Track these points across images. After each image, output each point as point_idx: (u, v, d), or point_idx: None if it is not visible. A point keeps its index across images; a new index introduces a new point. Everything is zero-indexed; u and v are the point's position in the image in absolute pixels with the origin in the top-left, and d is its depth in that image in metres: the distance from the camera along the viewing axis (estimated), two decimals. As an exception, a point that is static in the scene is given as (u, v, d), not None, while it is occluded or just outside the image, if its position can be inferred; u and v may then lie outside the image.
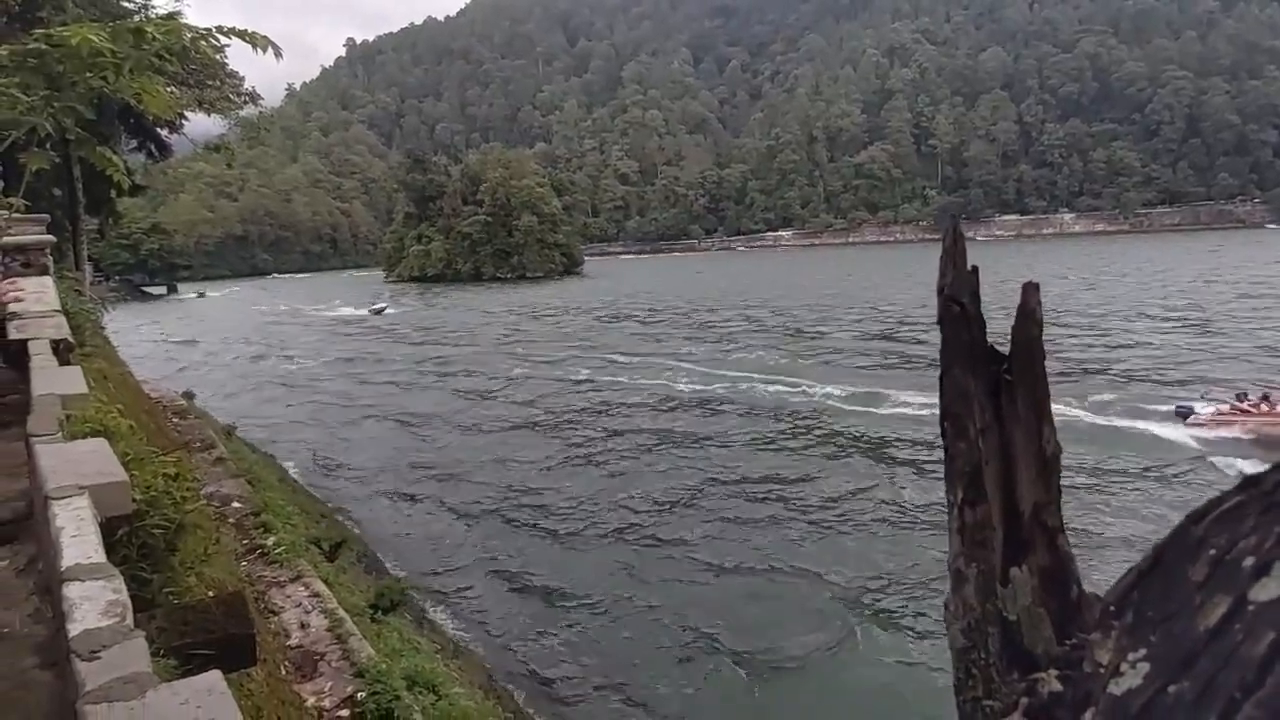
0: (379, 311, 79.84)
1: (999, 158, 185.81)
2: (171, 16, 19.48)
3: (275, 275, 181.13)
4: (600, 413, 30.94)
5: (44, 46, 7.23)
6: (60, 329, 7.58)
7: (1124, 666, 0.72)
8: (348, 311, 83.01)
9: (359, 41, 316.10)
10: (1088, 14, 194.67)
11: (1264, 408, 23.58)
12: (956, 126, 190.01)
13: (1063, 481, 1.10)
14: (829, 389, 32.19)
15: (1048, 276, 73.61)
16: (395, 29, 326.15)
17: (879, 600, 15.19)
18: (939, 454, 1.21)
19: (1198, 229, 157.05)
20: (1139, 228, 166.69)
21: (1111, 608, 0.78)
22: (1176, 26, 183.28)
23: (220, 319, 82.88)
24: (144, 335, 60.40)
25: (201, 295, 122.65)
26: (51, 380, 5.64)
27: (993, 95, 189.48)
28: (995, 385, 1.09)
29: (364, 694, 7.55)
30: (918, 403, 27.94)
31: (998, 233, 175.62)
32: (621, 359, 42.95)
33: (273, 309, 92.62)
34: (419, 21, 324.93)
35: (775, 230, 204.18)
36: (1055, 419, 1.09)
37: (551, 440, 27.49)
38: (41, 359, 6.42)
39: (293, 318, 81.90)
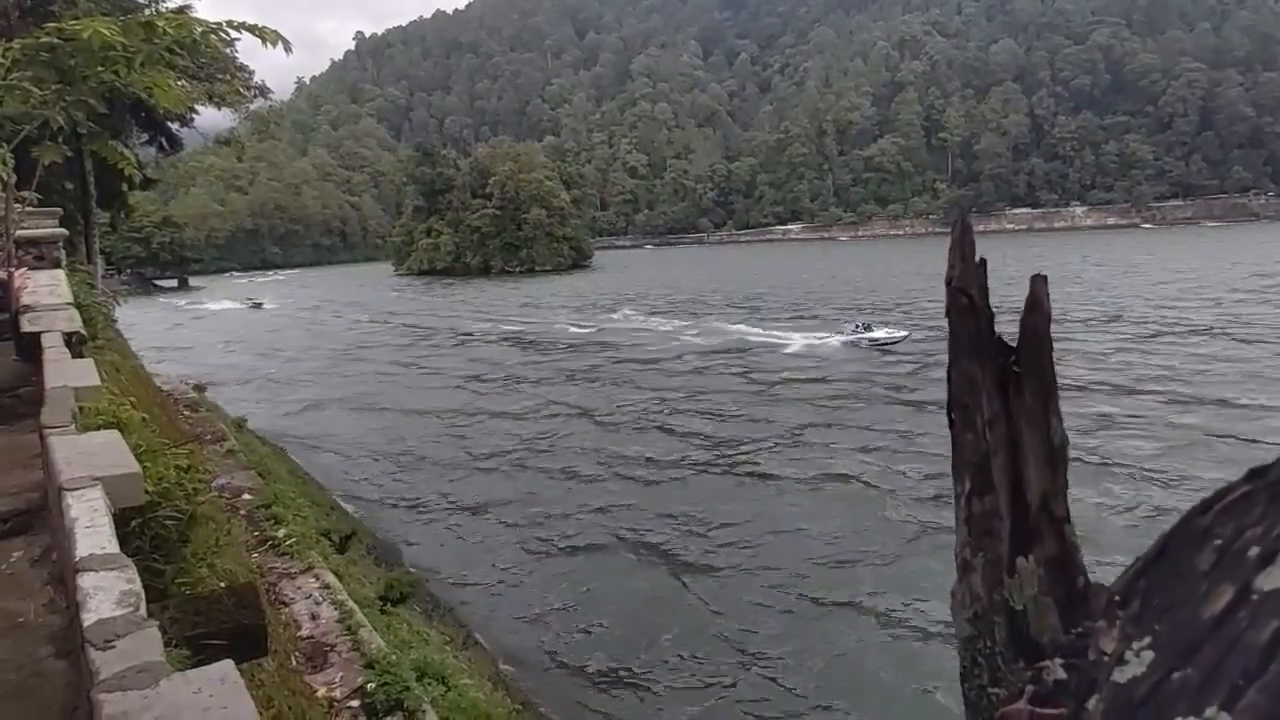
0: (884, 344, 41.33)
1: (1010, 151, 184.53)
2: (182, 11, 19.56)
3: (262, 269, 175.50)
4: (616, 413, 30.94)
5: (56, 41, 7.28)
6: (73, 322, 7.62)
7: (1128, 654, 0.72)
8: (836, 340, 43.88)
9: (368, 35, 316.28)
10: (1100, 5, 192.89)
11: None
12: (967, 119, 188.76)
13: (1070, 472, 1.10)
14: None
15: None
16: (404, 22, 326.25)
17: (882, 593, 15.18)
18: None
19: (1211, 223, 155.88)
20: (1151, 221, 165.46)
21: (1117, 597, 0.79)
22: (1190, 18, 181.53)
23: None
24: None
25: (256, 305, 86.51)
26: (65, 373, 5.68)
27: (1004, 88, 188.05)
28: (1003, 377, 1.09)
29: (374, 685, 7.60)
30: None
31: (1008, 226, 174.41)
32: (646, 360, 42.98)
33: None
34: (428, 15, 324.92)
35: (784, 224, 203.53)
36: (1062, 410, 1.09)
37: (562, 436, 27.53)
38: (54, 352, 6.45)
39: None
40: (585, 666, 13.49)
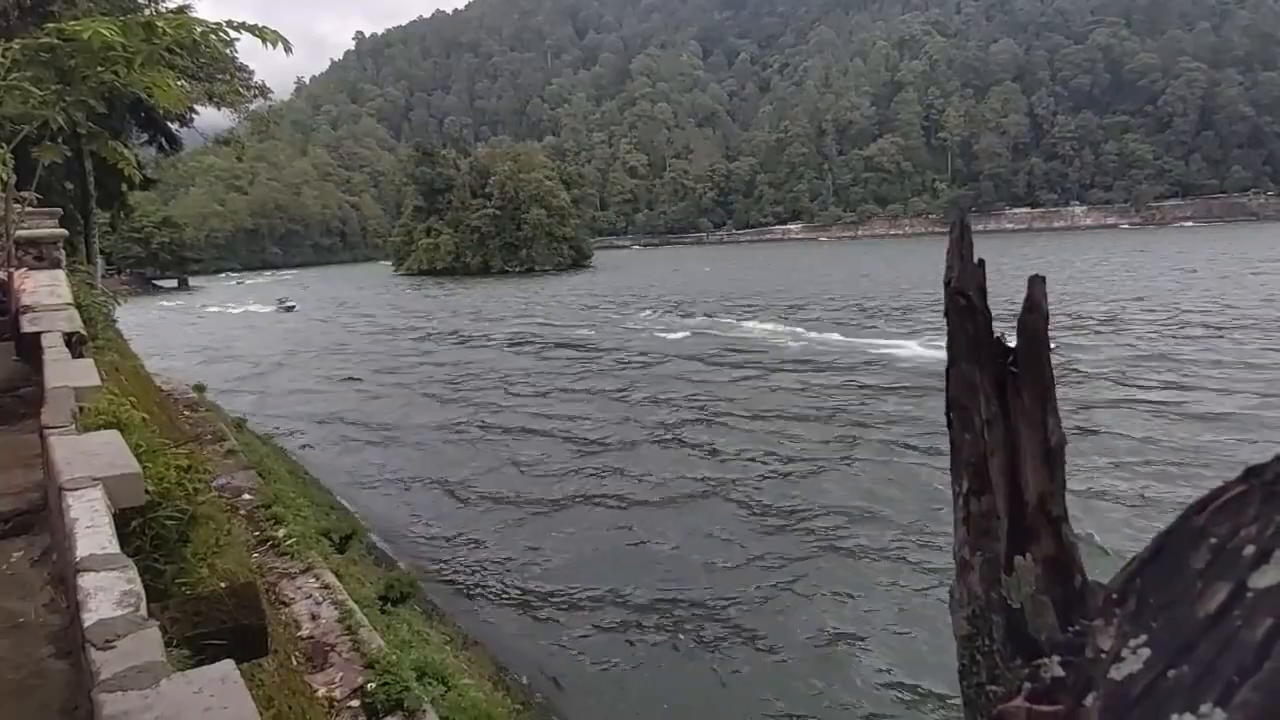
0: None
1: (1009, 150, 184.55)
2: (182, 11, 19.57)
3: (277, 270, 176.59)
4: (615, 415, 30.90)
5: (56, 41, 7.28)
6: (73, 322, 7.63)
7: (1125, 652, 0.73)
8: None
9: (368, 35, 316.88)
10: (1100, 5, 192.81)
11: None
12: (967, 119, 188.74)
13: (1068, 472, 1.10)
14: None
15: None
16: (404, 22, 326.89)
17: (884, 588, 15.18)
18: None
19: (1210, 222, 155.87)
20: (1150, 220, 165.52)
21: (1114, 595, 0.79)
22: (1190, 17, 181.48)
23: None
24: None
25: (289, 308, 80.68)
26: (65, 373, 5.68)
27: (1003, 87, 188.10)
28: (1001, 377, 1.10)
29: (374, 685, 7.60)
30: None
31: (1008, 226, 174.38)
32: (641, 362, 42.97)
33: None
34: (428, 15, 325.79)
35: (784, 223, 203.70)
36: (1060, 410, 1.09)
37: (562, 436, 27.49)
38: (55, 352, 6.46)
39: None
40: (588, 667, 13.48)
